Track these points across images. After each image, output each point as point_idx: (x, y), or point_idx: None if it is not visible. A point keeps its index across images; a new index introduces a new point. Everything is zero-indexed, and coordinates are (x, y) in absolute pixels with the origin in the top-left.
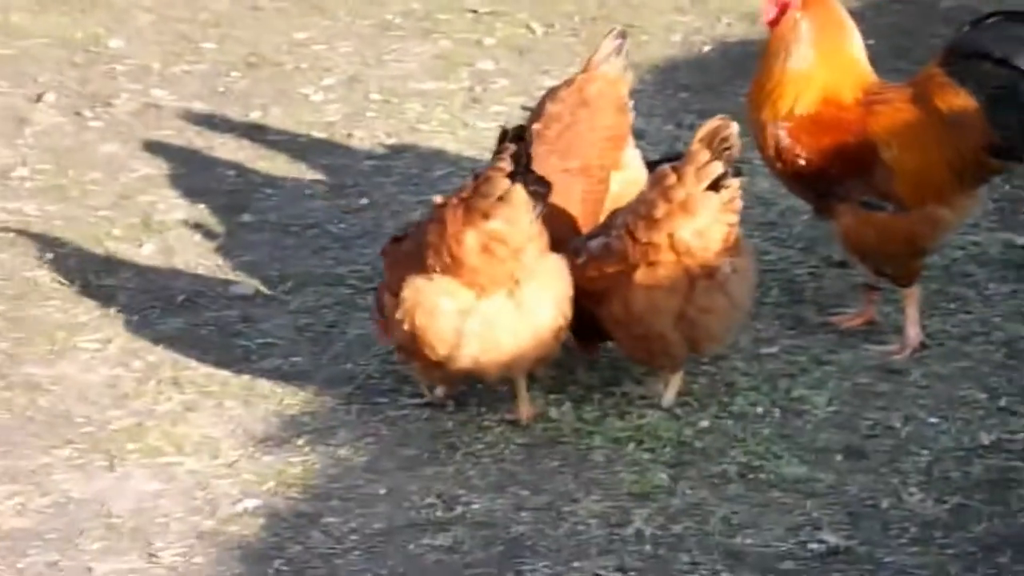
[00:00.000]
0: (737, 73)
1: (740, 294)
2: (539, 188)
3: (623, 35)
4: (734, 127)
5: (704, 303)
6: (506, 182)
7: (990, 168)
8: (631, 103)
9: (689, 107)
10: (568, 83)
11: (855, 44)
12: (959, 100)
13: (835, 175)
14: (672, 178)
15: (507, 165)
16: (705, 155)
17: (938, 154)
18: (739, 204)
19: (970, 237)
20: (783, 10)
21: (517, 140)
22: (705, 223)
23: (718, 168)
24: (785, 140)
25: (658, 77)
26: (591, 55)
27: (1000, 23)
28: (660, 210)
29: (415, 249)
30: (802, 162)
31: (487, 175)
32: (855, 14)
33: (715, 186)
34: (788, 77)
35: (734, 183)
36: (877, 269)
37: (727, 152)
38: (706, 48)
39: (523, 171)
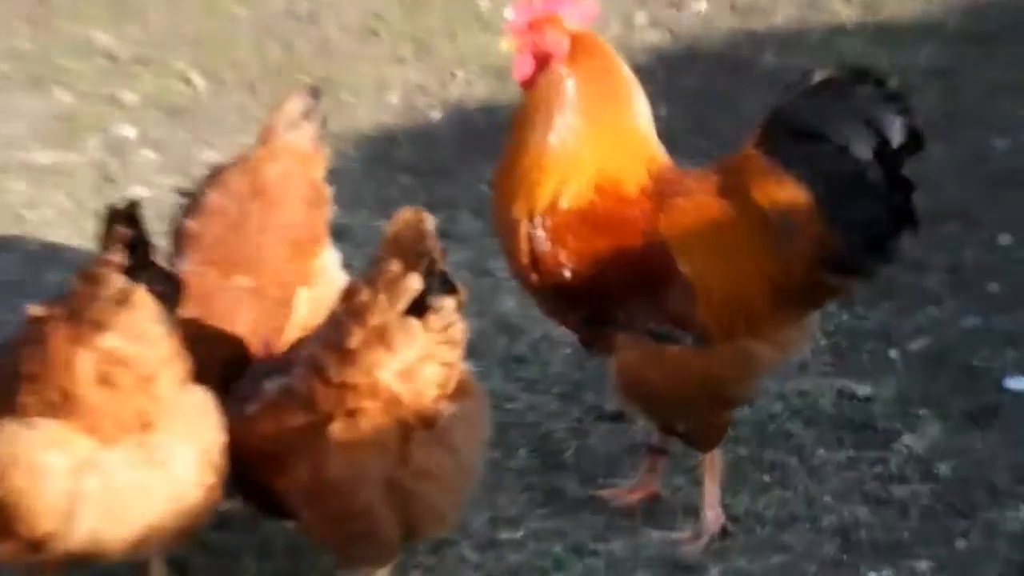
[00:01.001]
0: (478, 150)
1: (468, 450)
2: (167, 288)
3: (316, 93)
4: (430, 221)
5: (423, 462)
6: (121, 280)
7: (826, 288)
8: (329, 190)
9: (411, 196)
10: (239, 162)
11: (641, 113)
12: (785, 193)
13: (613, 293)
14: (365, 293)
15: (120, 257)
16: (395, 265)
17: (754, 267)
18: (459, 333)
19: (794, 384)
20: (542, 63)
21: (130, 222)
22: (410, 361)
23: (415, 283)
24: (544, 244)
25: (368, 153)
26: (270, 120)
27: (837, 87)
28: (355, 338)
29: (6, 384)
30: (567, 274)
31: (93, 272)
32: (642, 72)
33: (418, 308)
34: (549, 157)
35: (446, 304)
36: (666, 424)
37: (426, 258)
38: (435, 114)
39: (144, 264)
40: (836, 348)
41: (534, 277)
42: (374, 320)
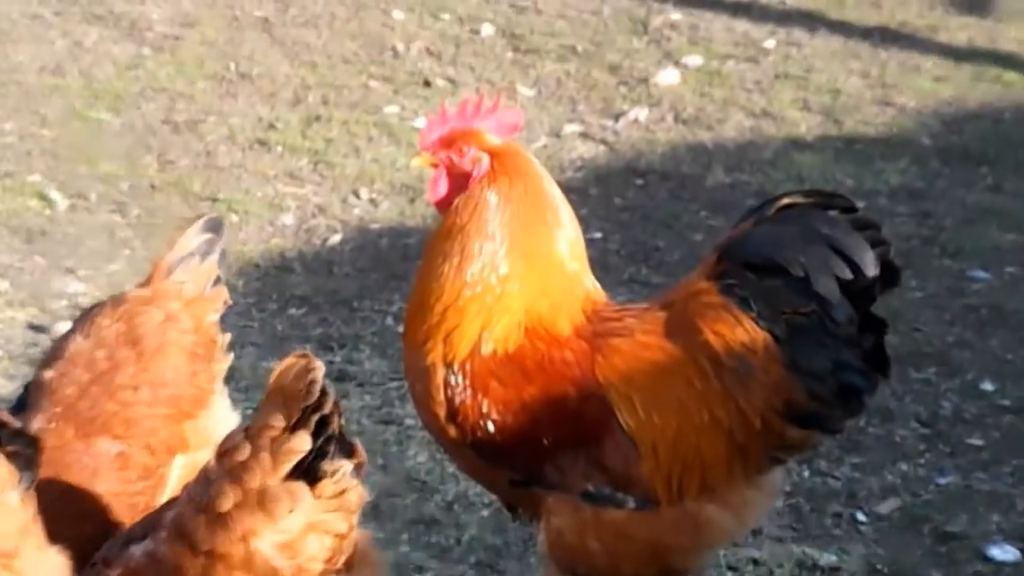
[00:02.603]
0: (384, 279)
1: None
2: (23, 448)
3: (217, 226)
4: (321, 370)
5: None
6: None
7: (788, 442)
8: (223, 339)
9: (307, 331)
10: (115, 303)
11: (572, 239)
12: (741, 333)
13: (543, 449)
14: (245, 450)
15: None
16: (279, 421)
17: (706, 418)
18: (355, 499)
19: (747, 551)
20: (459, 183)
21: None
22: (293, 532)
23: (302, 445)
24: (464, 392)
25: (257, 282)
26: (163, 256)
27: (801, 212)
28: (229, 500)
29: None
30: (490, 427)
31: None
32: (573, 190)
33: (309, 472)
34: (468, 295)
35: (340, 467)
36: None
37: (319, 413)
38: (334, 238)
39: None
40: (795, 510)
41: (452, 430)
42: (253, 482)
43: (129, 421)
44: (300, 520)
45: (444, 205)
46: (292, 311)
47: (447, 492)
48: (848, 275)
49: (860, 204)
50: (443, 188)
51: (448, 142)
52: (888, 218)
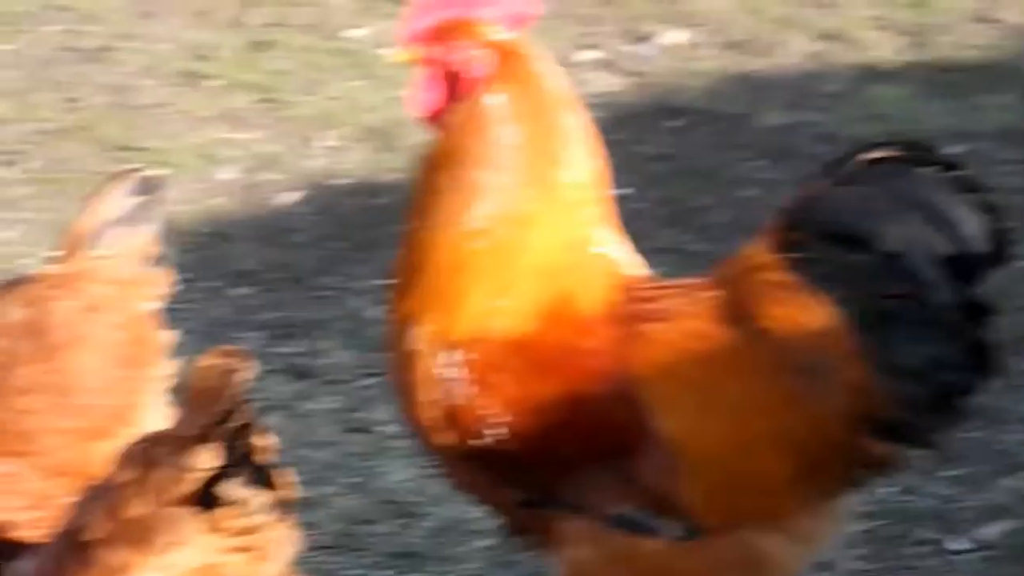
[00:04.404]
0: (351, 248)
1: None
2: None
3: (152, 184)
4: (247, 368)
5: None
6: None
7: (871, 459)
8: (165, 338)
9: (251, 316)
10: (15, 284)
11: (601, 184)
12: (814, 320)
13: (561, 462)
14: (134, 467)
15: None
16: (184, 430)
17: (767, 427)
18: (266, 540)
19: None
20: (456, 91)
21: None
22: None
23: (204, 461)
24: (465, 388)
25: (190, 256)
26: (78, 223)
27: (891, 171)
28: (95, 530)
29: None
30: (497, 433)
31: None
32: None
33: (206, 496)
34: (474, 244)
35: (247, 497)
36: None
37: (228, 425)
38: (287, 196)
39: None
40: (873, 536)
41: (448, 435)
42: (133, 508)
43: (22, 434)
44: (187, 559)
45: (433, 119)
46: (235, 291)
47: (436, 517)
48: (952, 251)
49: (956, 151)
50: (432, 95)
51: (439, 34)
52: (989, 167)
